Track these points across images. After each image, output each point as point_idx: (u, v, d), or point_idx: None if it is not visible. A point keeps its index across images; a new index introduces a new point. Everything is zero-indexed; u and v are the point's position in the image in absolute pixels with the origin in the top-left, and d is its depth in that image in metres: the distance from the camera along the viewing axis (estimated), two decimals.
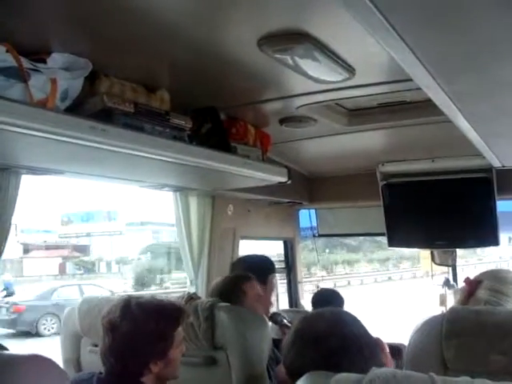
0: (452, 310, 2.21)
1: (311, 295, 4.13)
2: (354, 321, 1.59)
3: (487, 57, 1.35)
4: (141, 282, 28.49)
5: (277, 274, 4.45)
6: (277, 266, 4.49)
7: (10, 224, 2.29)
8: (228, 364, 2.54)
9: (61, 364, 2.71)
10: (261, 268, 3.29)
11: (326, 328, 1.48)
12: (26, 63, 1.76)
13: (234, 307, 2.67)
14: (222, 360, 2.56)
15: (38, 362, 1.57)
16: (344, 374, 1.13)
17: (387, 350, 1.57)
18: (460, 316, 2.09)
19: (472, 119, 1.96)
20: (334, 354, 1.41)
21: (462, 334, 2.02)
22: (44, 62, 1.84)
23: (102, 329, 2.09)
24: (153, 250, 33.76)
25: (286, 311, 3.78)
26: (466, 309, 2.26)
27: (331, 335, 1.45)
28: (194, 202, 3.46)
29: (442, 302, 4.40)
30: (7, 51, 1.69)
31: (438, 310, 3.56)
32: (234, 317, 2.56)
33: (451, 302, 4.27)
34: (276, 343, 2.92)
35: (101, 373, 2.11)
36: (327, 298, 3.88)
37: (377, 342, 1.55)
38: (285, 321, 3.05)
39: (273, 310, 3.21)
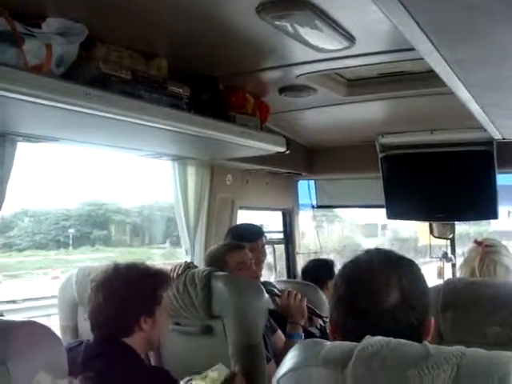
0: (448, 282, 2.21)
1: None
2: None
3: (488, 24, 1.33)
4: None
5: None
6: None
7: (6, 192, 2.28)
8: (224, 333, 2.55)
9: (58, 331, 2.73)
10: (249, 234, 3.34)
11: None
12: (20, 28, 1.72)
13: (231, 276, 2.69)
14: (219, 329, 2.57)
15: (34, 328, 1.56)
16: (337, 342, 1.13)
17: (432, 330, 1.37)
18: (456, 288, 2.10)
19: (472, 89, 1.94)
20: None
21: (457, 306, 2.03)
22: (39, 26, 1.81)
23: (90, 293, 2.13)
24: None
25: (283, 281, 3.80)
26: (462, 281, 2.26)
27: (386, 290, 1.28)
28: (192, 172, 3.45)
29: (440, 274, 4.42)
30: (1, 15, 1.66)
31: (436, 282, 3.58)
32: (231, 286, 2.57)
33: (449, 274, 4.31)
34: (271, 313, 2.93)
35: (89, 340, 2.14)
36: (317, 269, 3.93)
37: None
38: (275, 290, 3.05)
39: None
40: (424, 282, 1.37)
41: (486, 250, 2.48)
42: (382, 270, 1.31)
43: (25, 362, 1.45)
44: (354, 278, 1.34)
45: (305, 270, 4.07)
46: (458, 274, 2.62)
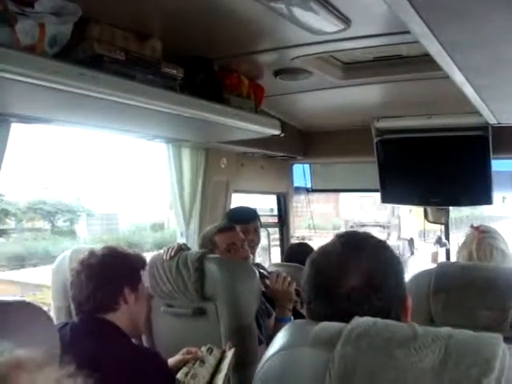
0: (441, 265, 2.22)
1: None
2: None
3: (482, 5, 1.32)
4: None
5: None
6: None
7: None
8: (217, 315, 2.56)
9: (52, 311, 2.73)
10: (241, 216, 3.39)
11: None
12: (12, 7, 1.71)
13: (224, 258, 2.69)
14: (211, 311, 2.58)
15: (26, 308, 1.56)
16: (326, 323, 1.13)
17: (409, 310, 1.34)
18: (448, 271, 2.11)
19: (467, 71, 1.94)
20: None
21: (449, 289, 2.04)
22: (31, 6, 1.79)
23: (71, 278, 2.18)
24: None
25: (276, 265, 3.81)
26: (455, 265, 2.27)
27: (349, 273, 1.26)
28: (186, 155, 3.44)
29: (434, 259, 4.44)
30: None
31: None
32: (224, 268, 2.57)
33: (443, 259, 4.33)
34: (264, 295, 2.94)
35: (74, 321, 2.17)
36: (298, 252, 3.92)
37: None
38: (264, 272, 3.05)
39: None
40: (391, 261, 1.34)
41: (483, 235, 2.51)
42: (342, 252, 1.30)
43: (16, 341, 1.45)
44: (317, 260, 1.34)
45: (289, 254, 4.06)
46: (455, 258, 2.63)
